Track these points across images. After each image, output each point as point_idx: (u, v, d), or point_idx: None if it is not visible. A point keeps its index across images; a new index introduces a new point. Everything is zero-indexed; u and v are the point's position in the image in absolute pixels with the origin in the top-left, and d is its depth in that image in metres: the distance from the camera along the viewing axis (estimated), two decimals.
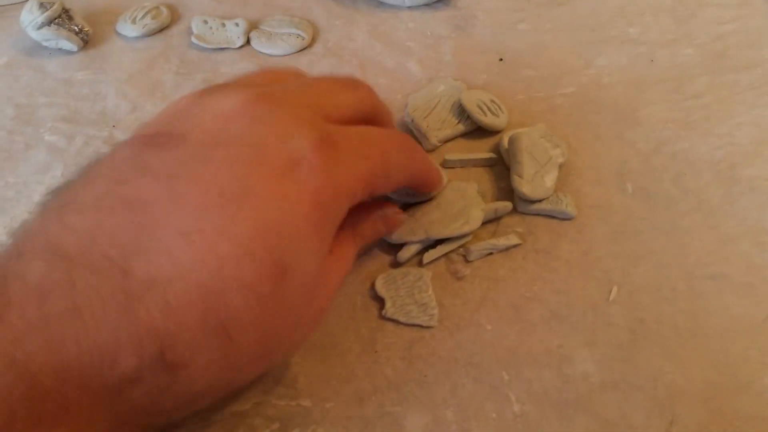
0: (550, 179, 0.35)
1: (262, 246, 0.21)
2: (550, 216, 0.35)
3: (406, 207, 0.34)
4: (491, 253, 0.33)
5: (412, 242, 0.33)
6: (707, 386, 0.29)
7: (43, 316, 0.18)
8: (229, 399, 0.29)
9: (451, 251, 0.33)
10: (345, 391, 0.29)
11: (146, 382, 0.19)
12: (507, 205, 0.35)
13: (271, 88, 0.25)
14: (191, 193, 0.21)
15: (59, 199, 0.22)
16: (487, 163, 0.37)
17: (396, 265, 0.33)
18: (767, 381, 0.29)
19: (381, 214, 0.31)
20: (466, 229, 0.33)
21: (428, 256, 0.33)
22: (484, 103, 0.38)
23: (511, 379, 0.29)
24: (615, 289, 0.32)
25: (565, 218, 0.34)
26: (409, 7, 0.47)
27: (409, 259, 0.33)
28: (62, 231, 0.20)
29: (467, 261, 0.33)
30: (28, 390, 0.18)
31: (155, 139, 0.23)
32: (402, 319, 0.31)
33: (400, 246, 0.33)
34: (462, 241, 0.33)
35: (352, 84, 0.29)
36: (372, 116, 0.29)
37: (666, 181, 0.36)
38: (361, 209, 0.29)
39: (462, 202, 0.34)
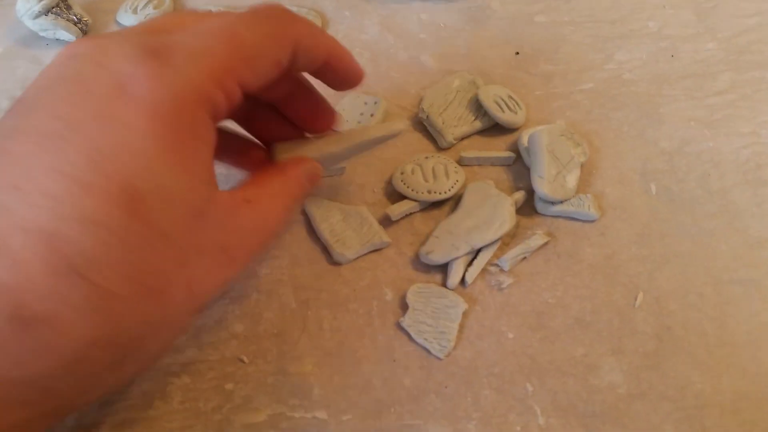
0: (572, 179, 0.33)
1: (99, 175, 0.19)
2: (572, 218, 0.33)
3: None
4: (525, 258, 0.32)
5: (457, 257, 0.31)
6: (737, 397, 0.28)
7: None
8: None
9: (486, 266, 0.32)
10: (362, 403, 0.28)
11: (8, 347, 0.18)
12: (521, 193, 0.34)
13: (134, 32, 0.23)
14: (18, 145, 0.19)
15: None
16: (506, 162, 0.36)
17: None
18: None
19: (304, 170, 0.28)
20: (506, 227, 0.32)
21: (471, 275, 0.31)
22: (502, 99, 0.37)
23: (535, 389, 0.28)
24: (641, 294, 0.31)
25: (588, 220, 0.33)
26: None
27: (427, 296, 0.31)
28: None
29: (504, 271, 0.32)
30: None
31: (11, 109, 0.21)
32: (413, 334, 0.30)
33: (443, 266, 0.32)
34: (494, 248, 0.32)
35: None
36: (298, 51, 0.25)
37: (691, 182, 0.35)
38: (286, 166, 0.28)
39: (489, 204, 0.33)
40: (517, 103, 0.37)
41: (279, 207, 0.26)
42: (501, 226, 0.32)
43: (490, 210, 0.32)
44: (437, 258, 0.31)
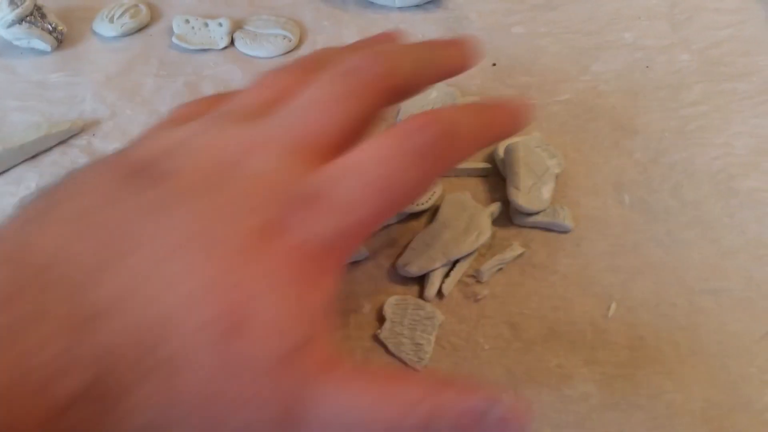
0: (547, 191, 0.34)
1: (223, 290, 0.19)
2: (547, 229, 0.34)
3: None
4: (501, 269, 0.32)
5: (434, 269, 0.32)
6: (708, 405, 0.29)
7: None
8: None
9: (462, 278, 0.33)
10: None
11: (85, 408, 0.18)
12: (497, 205, 0.34)
13: (255, 129, 0.23)
14: (168, 227, 0.20)
15: (28, 212, 0.21)
16: (482, 173, 0.36)
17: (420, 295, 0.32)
18: (767, 400, 0.28)
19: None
20: (482, 239, 0.32)
21: (447, 287, 0.32)
22: None
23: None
24: (614, 305, 0.31)
25: (563, 231, 0.34)
26: (399, 8, 0.46)
27: (405, 306, 0.31)
28: (24, 246, 0.19)
29: (480, 282, 0.32)
30: None
31: (142, 171, 0.22)
32: (391, 348, 0.30)
33: (420, 277, 0.32)
34: (471, 259, 0.33)
35: (346, 88, 0.24)
36: (392, 100, 0.25)
37: (664, 192, 0.35)
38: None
39: (465, 215, 0.33)
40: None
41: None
42: (478, 237, 0.32)
43: (467, 221, 0.33)
44: (414, 270, 0.31)
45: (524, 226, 0.34)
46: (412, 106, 0.38)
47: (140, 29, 0.46)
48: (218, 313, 0.19)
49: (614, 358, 0.30)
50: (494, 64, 0.42)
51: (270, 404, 0.20)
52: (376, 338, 0.30)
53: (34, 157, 0.38)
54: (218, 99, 0.27)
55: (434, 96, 0.39)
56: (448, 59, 0.27)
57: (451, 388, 0.20)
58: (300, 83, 0.24)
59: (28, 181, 0.37)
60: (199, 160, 0.22)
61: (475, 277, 0.32)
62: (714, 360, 0.30)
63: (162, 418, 0.19)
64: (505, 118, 0.26)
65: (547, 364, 0.30)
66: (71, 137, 0.39)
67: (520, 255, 0.33)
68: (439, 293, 0.32)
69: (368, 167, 0.21)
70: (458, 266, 0.32)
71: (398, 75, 0.25)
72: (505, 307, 0.31)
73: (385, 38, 0.31)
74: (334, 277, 0.22)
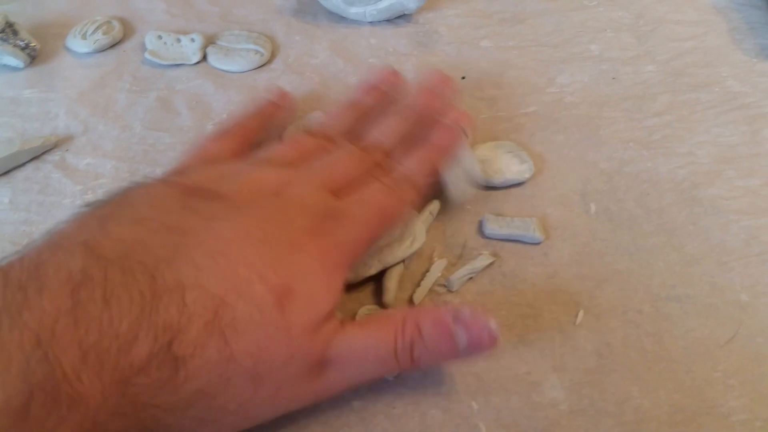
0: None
1: (272, 271, 0.25)
2: (518, 241, 0.34)
3: None
4: (471, 278, 0.33)
5: (368, 275, 0.32)
6: (674, 410, 0.29)
7: (73, 303, 0.21)
8: None
9: (434, 286, 0.33)
10: (310, 425, 0.28)
11: (151, 374, 0.22)
12: (435, 203, 0.35)
13: (294, 171, 0.31)
14: (224, 230, 0.25)
15: (98, 212, 0.26)
16: None
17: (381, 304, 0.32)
18: (732, 404, 0.29)
19: (453, 313, 0.28)
20: (416, 246, 0.33)
21: (418, 296, 0.32)
22: None
23: (480, 407, 0.29)
24: (581, 312, 0.32)
25: (533, 242, 0.34)
26: (370, 23, 0.47)
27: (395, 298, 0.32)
28: (102, 237, 0.24)
29: (451, 291, 0.33)
30: (49, 373, 0.20)
31: (200, 191, 0.27)
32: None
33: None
34: (441, 268, 0.33)
35: (362, 160, 0.32)
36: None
37: (629, 201, 0.36)
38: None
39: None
40: (464, 132, 0.38)
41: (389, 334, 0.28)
42: (412, 243, 0.33)
43: (402, 228, 0.33)
44: (351, 276, 0.32)
45: (495, 239, 0.34)
46: None
47: (113, 45, 0.46)
48: (268, 288, 0.24)
49: (582, 364, 0.30)
50: (463, 78, 0.43)
51: (307, 359, 0.25)
52: None
53: (6, 173, 0.38)
54: (241, 136, 0.36)
55: None
56: (438, 147, 0.35)
57: (426, 308, 0.30)
58: (323, 149, 0.33)
59: (0, 196, 0.37)
60: (249, 186, 0.28)
61: (446, 286, 0.32)
62: (680, 365, 0.30)
63: (216, 381, 0.23)
64: (447, 143, 0.34)
65: (517, 371, 0.30)
66: (44, 153, 0.39)
67: (490, 264, 0.33)
68: (411, 302, 0.32)
69: (372, 200, 0.30)
70: (428, 275, 0.33)
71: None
72: None
73: (388, 77, 0.39)
74: (348, 269, 0.29)
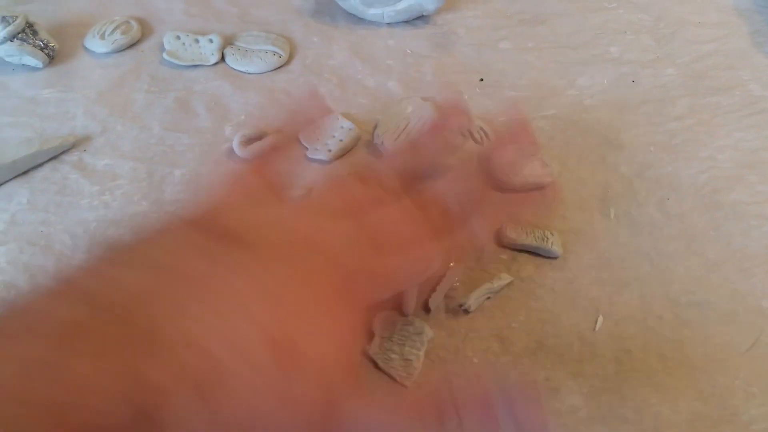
0: None
1: (285, 337, 0.23)
2: (535, 254, 0.34)
3: None
4: (489, 298, 0.33)
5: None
6: (694, 417, 0.29)
7: (58, 356, 0.19)
8: None
9: (449, 292, 0.33)
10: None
11: None
12: None
13: (345, 225, 0.28)
14: (243, 284, 0.23)
15: (112, 252, 0.24)
16: None
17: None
18: (753, 412, 0.29)
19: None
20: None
21: (434, 302, 0.32)
22: (467, 129, 0.38)
23: None
24: (600, 318, 0.32)
25: (550, 257, 0.34)
26: (388, 24, 0.47)
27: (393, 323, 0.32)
28: (111, 288, 0.22)
29: (468, 312, 0.32)
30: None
31: (227, 238, 0.25)
32: (381, 363, 0.30)
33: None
34: (457, 274, 0.33)
35: (422, 223, 0.29)
36: None
37: (650, 206, 0.36)
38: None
39: None
40: (486, 134, 0.38)
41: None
42: None
43: None
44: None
45: (513, 250, 0.34)
46: (389, 120, 0.39)
47: (131, 45, 0.46)
48: (277, 354, 0.22)
49: (601, 371, 0.30)
50: (482, 79, 0.43)
51: None
52: (365, 353, 0.30)
53: (25, 173, 0.38)
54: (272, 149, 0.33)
55: (410, 110, 0.39)
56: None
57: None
58: (376, 200, 0.30)
59: (19, 196, 0.37)
60: (285, 238, 0.26)
61: (462, 307, 0.32)
62: (700, 372, 0.30)
63: None
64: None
65: (535, 377, 0.30)
66: (63, 153, 0.39)
67: (509, 284, 0.33)
68: (426, 308, 0.32)
69: (421, 264, 0.28)
70: (445, 280, 0.32)
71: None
72: (494, 321, 0.32)
73: (458, 117, 0.34)
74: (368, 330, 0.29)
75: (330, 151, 0.38)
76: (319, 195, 0.32)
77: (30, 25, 0.43)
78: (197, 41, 0.45)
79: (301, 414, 0.23)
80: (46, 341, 0.20)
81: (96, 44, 0.45)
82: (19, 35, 0.43)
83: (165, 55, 0.44)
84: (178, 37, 0.45)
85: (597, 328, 0.31)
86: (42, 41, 0.44)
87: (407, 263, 0.28)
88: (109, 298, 0.22)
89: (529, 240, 0.34)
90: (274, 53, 0.44)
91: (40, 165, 0.39)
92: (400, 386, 0.29)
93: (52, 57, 0.45)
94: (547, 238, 0.34)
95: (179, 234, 0.26)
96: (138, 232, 0.26)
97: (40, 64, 0.44)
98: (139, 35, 0.46)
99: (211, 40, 0.45)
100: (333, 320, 0.25)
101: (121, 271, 0.23)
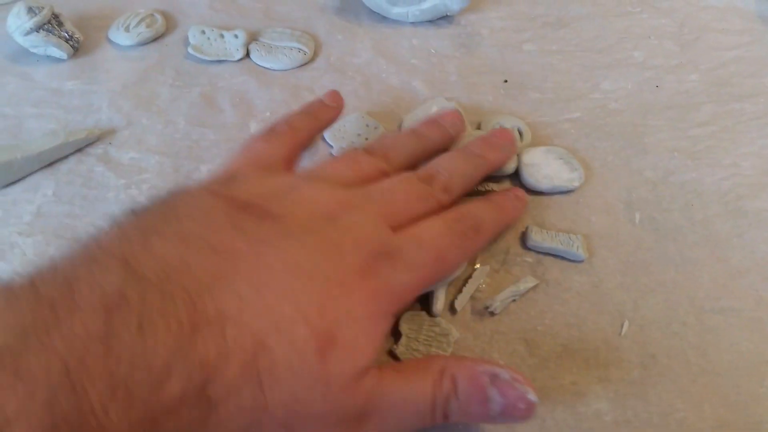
0: None
1: (318, 314, 0.23)
2: (560, 257, 0.34)
3: None
4: (514, 300, 0.33)
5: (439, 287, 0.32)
6: (719, 424, 0.29)
7: (106, 329, 0.19)
8: None
9: (475, 293, 0.33)
10: None
11: (182, 415, 0.20)
12: None
13: (351, 194, 0.29)
14: (273, 258, 0.24)
15: (141, 223, 0.24)
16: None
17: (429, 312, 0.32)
18: None
19: (491, 373, 0.26)
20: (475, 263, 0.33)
21: (460, 303, 0.32)
22: (500, 126, 0.38)
23: None
24: (626, 323, 0.32)
25: (575, 260, 0.34)
26: (412, 23, 0.47)
27: (420, 323, 0.31)
28: (144, 254, 0.22)
29: (493, 315, 0.32)
30: (75, 405, 0.18)
31: (250, 208, 0.26)
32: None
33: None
34: (483, 274, 0.33)
35: (427, 192, 0.31)
36: (449, 206, 0.31)
37: (674, 212, 0.36)
38: (463, 358, 0.29)
39: None
40: (521, 133, 0.38)
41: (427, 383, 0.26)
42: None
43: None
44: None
45: (537, 252, 0.34)
46: (413, 119, 0.39)
47: (156, 39, 0.46)
48: (311, 333, 0.23)
49: (627, 376, 0.30)
50: (506, 81, 0.43)
51: (344, 413, 0.24)
52: (392, 353, 0.30)
53: (50, 164, 0.38)
54: (291, 138, 0.33)
55: (435, 110, 0.39)
56: (493, 163, 0.36)
57: (464, 361, 0.27)
58: (378, 169, 0.32)
59: (44, 188, 0.37)
60: (303, 207, 0.27)
61: (489, 309, 0.32)
62: (725, 379, 0.30)
63: (245, 428, 0.22)
64: (512, 208, 0.34)
65: (561, 381, 0.30)
66: (87, 145, 0.39)
67: (534, 287, 0.33)
68: (452, 309, 0.32)
69: (429, 241, 0.28)
70: (471, 282, 0.32)
71: (458, 191, 0.32)
72: (519, 324, 0.32)
73: (452, 117, 0.37)
74: (394, 317, 0.28)
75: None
76: (328, 165, 0.32)
77: (55, 16, 0.43)
78: (222, 36, 0.45)
79: (336, 402, 0.24)
80: (92, 314, 0.19)
81: (120, 37, 0.45)
82: (45, 26, 0.43)
83: (190, 50, 0.44)
84: (203, 32, 0.45)
85: (623, 333, 0.31)
86: (67, 32, 0.44)
87: (420, 241, 0.28)
88: (143, 265, 0.21)
89: (554, 243, 0.34)
90: (299, 50, 0.44)
91: (65, 157, 0.39)
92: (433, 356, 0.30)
93: (76, 49, 0.45)
94: (573, 242, 0.34)
95: (206, 203, 0.26)
96: (163, 201, 0.26)
97: (64, 56, 0.44)
98: (164, 29, 0.46)
99: (236, 36, 0.45)
100: (361, 303, 0.25)
101: (152, 239, 0.23)
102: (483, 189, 0.36)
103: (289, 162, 0.33)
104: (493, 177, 0.37)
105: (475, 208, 0.32)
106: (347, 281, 0.25)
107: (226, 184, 0.28)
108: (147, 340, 0.19)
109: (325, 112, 0.36)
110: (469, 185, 0.34)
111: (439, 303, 0.32)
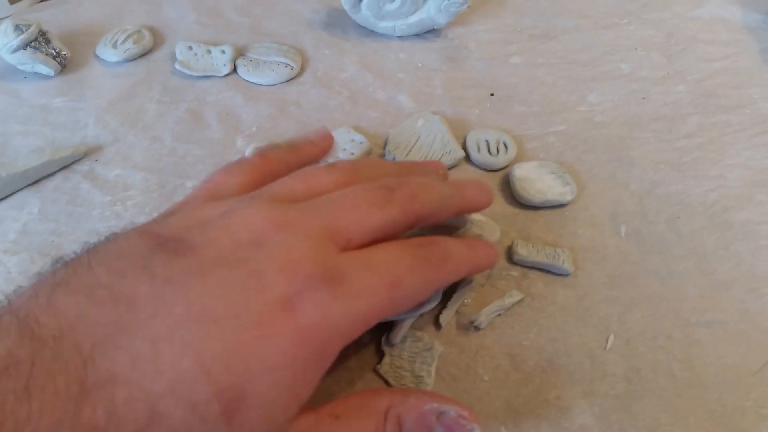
0: None
1: (223, 367, 0.20)
2: (546, 270, 0.34)
3: None
4: (500, 315, 0.33)
5: (403, 319, 0.31)
6: None
7: None
8: None
9: (460, 308, 0.33)
10: None
11: None
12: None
13: (290, 209, 0.25)
14: (177, 302, 0.21)
15: (56, 275, 0.22)
16: None
17: (388, 343, 0.31)
18: None
19: (438, 411, 0.25)
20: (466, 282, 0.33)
21: (445, 318, 0.32)
22: (486, 141, 0.38)
23: None
24: (611, 337, 0.32)
25: (561, 274, 0.34)
26: (399, 37, 0.47)
27: (402, 339, 0.31)
28: (45, 311, 0.20)
29: (478, 329, 0.32)
30: None
31: (168, 243, 0.23)
32: (392, 381, 0.30)
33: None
34: (467, 290, 0.33)
35: (385, 199, 0.26)
36: (415, 224, 0.28)
37: (660, 224, 0.36)
38: (408, 394, 0.26)
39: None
40: (506, 147, 0.38)
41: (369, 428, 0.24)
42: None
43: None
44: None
45: (523, 266, 0.34)
46: (399, 134, 0.39)
47: (143, 55, 0.46)
48: (214, 393, 0.20)
49: (612, 390, 0.30)
50: (492, 94, 0.43)
51: None
52: (376, 372, 0.30)
53: (36, 182, 0.38)
54: (260, 168, 0.30)
55: (420, 124, 0.39)
56: (469, 199, 0.31)
57: (411, 395, 0.25)
58: (337, 183, 0.27)
59: (30, 206, 0.37)
60: (228, 234, 0.23)
61: (473, 323, 0.32)
62: (710, 393, 0.30)
63: None
64: (486, 255, 0.30)
65: (546, 396, 0.30)
66: (74, 162, 0.39)
67: (519, 301, 0.33)
68: (437, 323, 0.32)
69: (381, 264, 0.24)
70: (456, 297, 0.32)
71: (426, 205, 0.27)
72: (504, 338, 0.32)
73: (428, 167, 0.33)
74: (332, 358, 0.23)
75: None
76: (279, 181, 0.28)
77: (43, 33, 0.44)
78: (209, 52, 0.45)
79: None
80: None
81: (108, 53, 0.45)
82: (32, 44, 0.43)
83: (177, 65, 0.44)
84: (191, 48, 0.45)
85: (608, 347, 0.31)
86: (54, 49, 0.44)
87: (370, 263, 0.24)
88: (41, 324, 0.20)
89: (540, 257, 0.34)
90: (286, 65, 0.44)
91: (52, 174, 0.39)
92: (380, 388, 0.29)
93: (64, 65, 0.45)
94: (558, 255, 0.34)
95: (127, 245, 0.23)
96: (90, 248, 0.23)
97: (52, 73, 0.44)
98: (151, 45, 0.47)
99: (223, 51, 0.45)
100: (283, 346, 0.21)
101: (57, 293, 0.21)
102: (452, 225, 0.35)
103: (248, 190, 0.29)
104: None
105: (443, 239, 0.28)
106: (266, 320, 0.21)
107: (161, 220, 0.26)
108: (33, 403, 0.18)
109: (309, 148, 0.34)
110: (441, 209, 0.29)
111: (399, 334, 0.30)
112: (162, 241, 0.23)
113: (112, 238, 0.24)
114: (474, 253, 0.30)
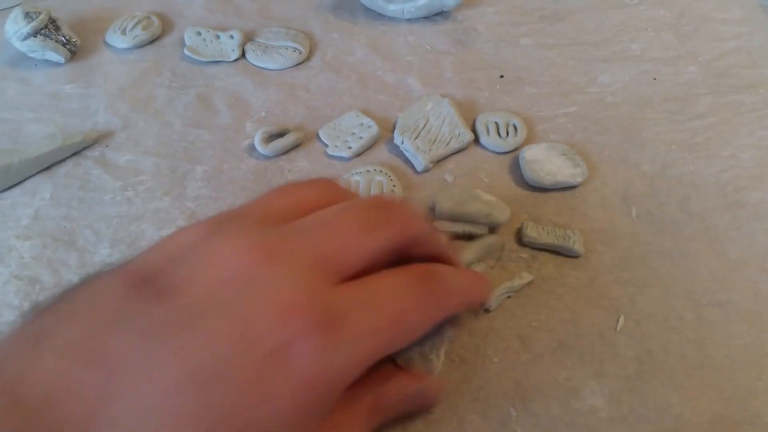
0: None
1: (220, 419, 0.18)
2: (557, 252, 0.34)
3: None
4: (510, 296, 0.33)
5: None
6: (715, 419, 0.29)
7: None
8: None
9: None
10: None
11: None
12: (497, 239, 0.34)
13: (275, 235, 0.22)
14: (165, 366, 0.19)
15: (36, 325, 0.20)
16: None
17: None
18: None
19: (416, 389, 0.27)
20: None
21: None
22: (496, 123, 0.38)
23: (519, 414, 0.29)
24: (622, 318, 0.32)
25: (572, 256, 0.34)
26: (408, 20, 0.47)
27: None
28: (30, 372, 0.18)
29: (488, 311, 0.32)
30: None
31: (144, 285, 0.20)
32: (400, 362, 0.30)
33: None
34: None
35: (377, 222, 0.24)
36: (410, 247, 0.25)
37: (672, 205, 0.36)
38: (384, 374, 0.26)
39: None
40: (516, 129, 0.38)
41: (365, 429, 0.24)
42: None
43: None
44: None
45: (533, 248, 0.34)
46: (408, 118, 0.39)
47: (152, 41, 0.46)
48: None
49: (622, 371, 0.30)
50: (502, 76, 0.43)
51: None
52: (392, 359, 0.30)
53: (48, 168, 0.38)
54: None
55: (429, 107, 0.39)
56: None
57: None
58: (323, 200, 0.25)
59: (42, 192, 0.37)
60: (208, 270, 0.21)
61: (483, 304, 0.32)
62: (721, 373, 0.30)
63: None
64: (481, 290, 0.29)
65: (556, 377, 0.30)
66: (85, 148, 0.39)
67: (529, 283, 0.33)
68: None
69: (385, 300, 0.22)
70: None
71: (418, 227, 0.25)
72: (514, 320, 0.32)
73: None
74: (332, 404, 0.21)
75: (350, 148, 0.38)
76: (259, 198, 0.25)
77: (53, 21, 0.44)
78: (218, 37, 0.45)
79: None
80: None
81: (117, 39, 0.45)
82: (42, 31, 0.43)
83: (186, 51, 0.44)
84: (199, 33, 0.45)
85: (619, 328, 0.31)
86: (64, 36, 0.44)
87: (372, 300, 0.22)
88: (27, 392, 0.18)
89: (550, 239, 0.34)
90: (294, 49, 0.44)
91: (63, 160, 0.39)
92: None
93: (73, 52, 0.45)
94: (569, 237, 0.34)
95: (100, 293, 0.21)
96: (67, 294, 0.21)
97: (62, 60, 0.44)
98: (160, 31, 0.47)
99: (231, 36, 0.45)
100: (281, 406, 0.19)
101: (42, 350, 0.19)
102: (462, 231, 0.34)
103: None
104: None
105: (441, 270, 0.25)
106: (262, 378, 0.19)
107: (142, 253, 0.23)
108: None
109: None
110: (432, 237, 0.27)
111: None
112: (136, 282, 0.20)
113: (87, 282, 0.21)
114: (471, 284, 0.28)
